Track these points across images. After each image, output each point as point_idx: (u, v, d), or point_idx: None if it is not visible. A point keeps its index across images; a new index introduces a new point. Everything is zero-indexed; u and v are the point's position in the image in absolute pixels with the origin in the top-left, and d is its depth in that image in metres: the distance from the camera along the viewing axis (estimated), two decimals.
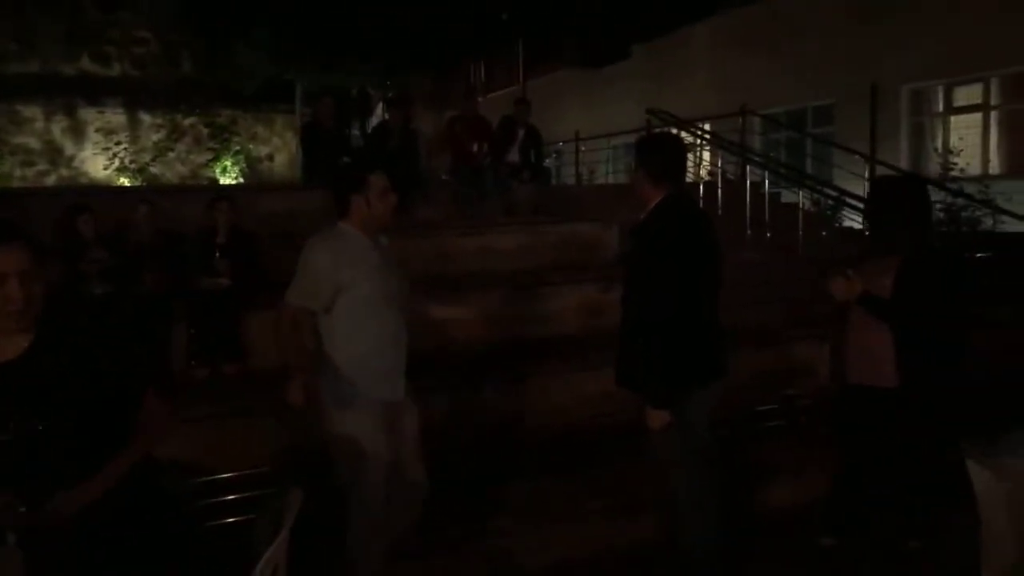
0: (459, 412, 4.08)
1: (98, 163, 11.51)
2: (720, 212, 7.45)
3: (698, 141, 9.53)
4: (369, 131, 8.19)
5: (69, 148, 11.51)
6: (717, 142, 9.02)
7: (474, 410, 4.14)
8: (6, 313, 1.84)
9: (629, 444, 3.53)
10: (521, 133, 7.68)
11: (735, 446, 4.03)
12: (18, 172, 11.02)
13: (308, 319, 2.85)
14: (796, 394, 4.84)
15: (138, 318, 4.34)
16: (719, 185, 7.81)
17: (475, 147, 7.55)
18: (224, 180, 11.97)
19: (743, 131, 8.52)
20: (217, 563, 2.16)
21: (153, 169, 11.82)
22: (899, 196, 3.21)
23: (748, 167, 8.06)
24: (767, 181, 7.40)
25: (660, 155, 2.96)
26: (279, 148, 12.76)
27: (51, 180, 11.20)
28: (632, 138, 12.78)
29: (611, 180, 13.37)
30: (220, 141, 12.31)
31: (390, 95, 9.75)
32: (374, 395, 2.80)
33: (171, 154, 12.03)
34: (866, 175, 7.37)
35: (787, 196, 8.19)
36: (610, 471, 3.80)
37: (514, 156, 7.59)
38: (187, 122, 12.12)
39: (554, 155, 12.74)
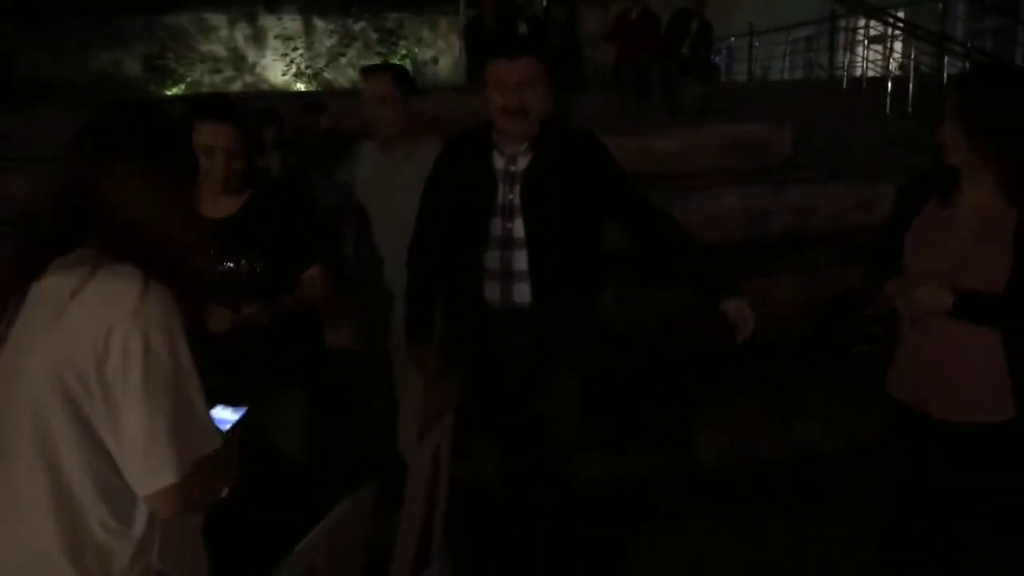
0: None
1: (277, 69, 12.04)
2: (910, 110, 6.81)
3: (889, 31, 8.67)
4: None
5: (251, 55, 12.10)
6: (912, 31, 8.16)
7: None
8: (212, 179, 2.30)
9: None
10: (694, 26, 7.28)
11: None
12: (207, 79, 11.73)
13: None
14: None
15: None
16: (911, 80, 7.11)
17: (641, 44, 7.25)
18: None
19: (944, 17, 7.64)
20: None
21: (327, 75, 12.23)
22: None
23: (946, 59, 7.26)
24: None
25: None
26: (443, 51, 12.82)
27: (236, 87, 11.87)
28: (814, 30, 11.81)
29: (787, 77, 12.49)
30: (388, 45, 12.52)
31: None
32: None
33: (343, 59, 12.39)
34: None
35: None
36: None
37: (685, 51, 7.23)
38: (357, 27, 12.38)
39: (724, 51, 12.02)
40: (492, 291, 2.46)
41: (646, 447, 3.50)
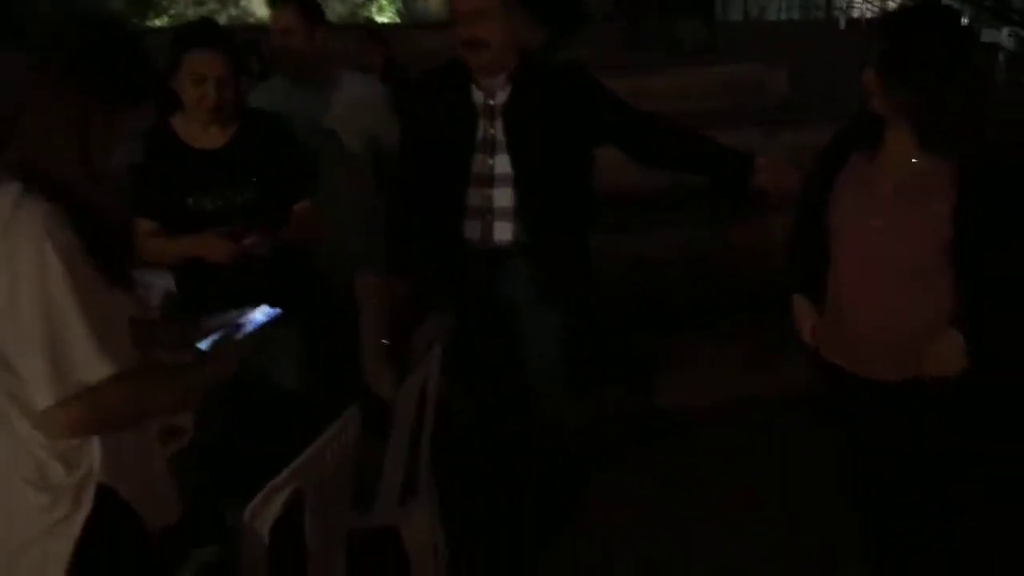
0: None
1: (256, 5, 11.76)
2: None
3: None
4: None
5: None
6: None
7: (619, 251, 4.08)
8: (203, 108, 2.24)
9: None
10: None
11: None
12: (191, 12, 11.44)
13: None
14: None
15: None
16: None
17: None
18: (380, 19, 11.95)
19: None
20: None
21: None
22: (950, 43, 1.85)
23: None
24: (965, 16, 6.56)
25: None
26: None
27: (222, 19, 11.59)
28: None
29: (784, 17, 12.29)
30: None
31: None
32: None
33: None
34: None
35: (988, 36, 7.24)
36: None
37: None
38: None
39: None
40: (472, 229, 2.40)
41: (624, 388, 3.53)
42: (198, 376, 1.50)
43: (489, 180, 2.37)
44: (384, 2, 12.27)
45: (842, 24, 8.38)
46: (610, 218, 4.00)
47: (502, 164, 2.36)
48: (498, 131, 2.36)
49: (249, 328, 1.61)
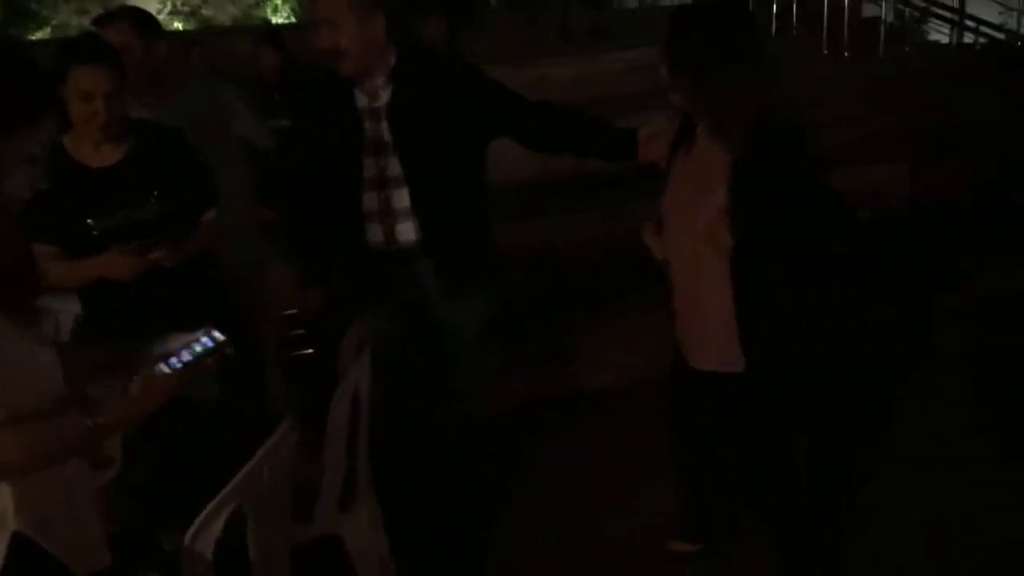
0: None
1: (151, 7, 11.30)
2: (795, 32, 6.99)
3: None
4: None
5: None
6: None
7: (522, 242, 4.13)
8: (93, 125, 2.18)
9: None
10: None
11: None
12: (74, 21, 10.94)
13: None
14: (865, 216, 4.69)
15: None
16: (794, 0, 7.29)
17: None
18: (276, 20, 11.70)
19: None
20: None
21: (205, 12, 11.60)
22: (726, 31, 1.88)
23: None
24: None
25: None
26: None
27: None
28: None
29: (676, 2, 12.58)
30: None
31: None
32: None
33: None
34: None
35: (868, 11, 7.60)
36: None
37: None
38: None
39: None
40: (375, 232, 2.40)
41: (542, 369, 3.59)
42: (117, 415, 1.38)
43: (383, 182, 2.36)
44: (278, 2, 12.00)
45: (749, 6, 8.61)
46: (515, 208, 4.07)
47: (394, 166, 2.35)
48: (385, 132, 2.33)
49: (188, 356, 1.48)
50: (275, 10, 12.00)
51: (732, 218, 1.85)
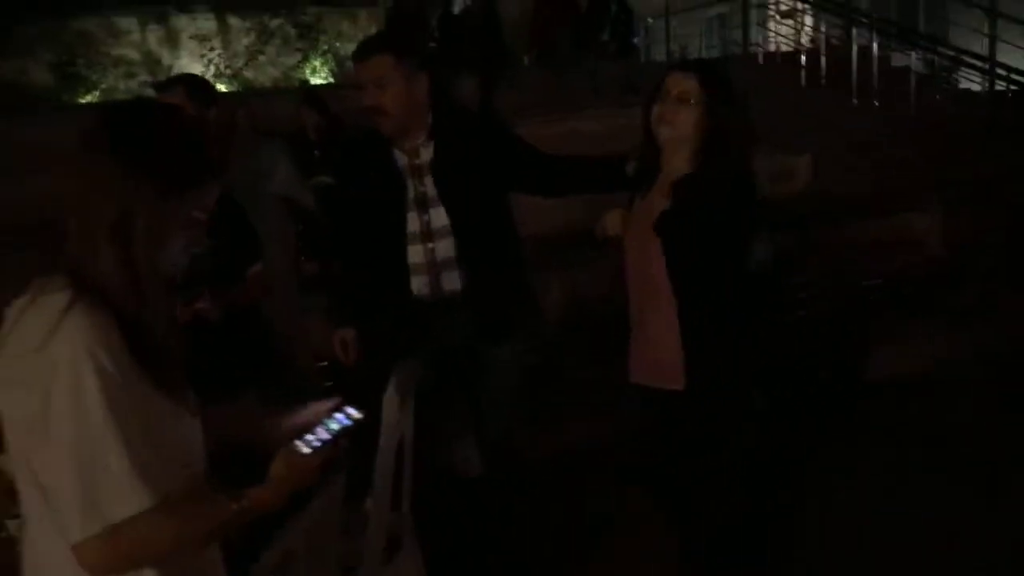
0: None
1: (194, 71, 11.76)
2: (823, 82, 7.06)
3: (799, 5, 8.95)
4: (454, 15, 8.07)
5: (166, 57, 11.78)
6: (820, 4, 8.46)
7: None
8: None
9: None
10: (614, 10, 7.40)
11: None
12: (122, 85, 11.38)
13: None
14: (904, 266, 4.68)
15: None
16: (823, 52, 7.38)
17: (558, 28, 7.34)
18: (315, 80, 12.07)
19: None
20: None
21: (247, 74, 12.01)
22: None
23: (855, 30, 7.55)
24: (875, 44, 6.93)
25: None
26: None
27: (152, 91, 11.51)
28: (727, 8, 12.09)
29: (704, 54, 12.76)
30: (307, 41, 12.34)
31: None
32: None
33: (262, 57, 12.16)
34: (986, 30, 6.79)
35: (898, 60, 7.66)
36: None
37: (606, 38, 7.36)
38: (274, 23, 12.18)
39: (643, 31, 12.21)
40: (420, 284, 2.46)
41: (583, 419, 3.60)
42: (262, 497, 1.27)
43: (428, 235, 2.44)
44: (317, 64, 12.40)
45: (760, 59, 8.74)
46: (538, 259, 4.12)
47: (438, 218, 2.43)
48: (428, 187, 2.43)
49: (325, 435, 1.33)
50: (314, 71, 12.41)
51: (664, 226, 2.07)
